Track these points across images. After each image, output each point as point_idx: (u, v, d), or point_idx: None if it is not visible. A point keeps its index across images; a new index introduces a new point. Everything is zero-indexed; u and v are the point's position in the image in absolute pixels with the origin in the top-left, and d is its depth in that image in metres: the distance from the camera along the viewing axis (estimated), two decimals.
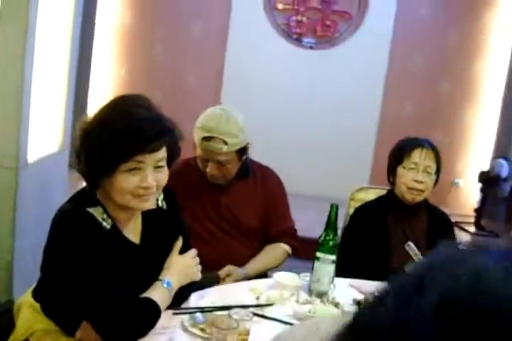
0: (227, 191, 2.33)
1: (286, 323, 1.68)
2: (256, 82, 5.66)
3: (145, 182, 1.47)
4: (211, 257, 2.03)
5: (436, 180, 2.36)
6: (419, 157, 2.33)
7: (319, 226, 2.06)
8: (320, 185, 5.45)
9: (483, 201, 5.22)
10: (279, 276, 1.97)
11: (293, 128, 5.67)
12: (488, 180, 5.12)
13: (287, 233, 2.42)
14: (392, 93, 5.68)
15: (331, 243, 1.91)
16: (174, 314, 1.55)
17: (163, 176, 1.54)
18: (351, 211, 2.71)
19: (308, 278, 1.95)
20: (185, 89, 5.80)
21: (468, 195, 5.80)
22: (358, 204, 2.69)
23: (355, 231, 2.42)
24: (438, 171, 2.35)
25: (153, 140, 1.46)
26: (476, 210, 5.26)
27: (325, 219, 1.95)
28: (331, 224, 1.92)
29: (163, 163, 1.53)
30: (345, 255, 2.20)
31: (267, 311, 1.73)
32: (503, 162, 5.04)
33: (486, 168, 5.33)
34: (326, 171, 5.63)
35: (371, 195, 2.77)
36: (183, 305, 1.66)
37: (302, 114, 5.70)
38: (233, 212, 2.32)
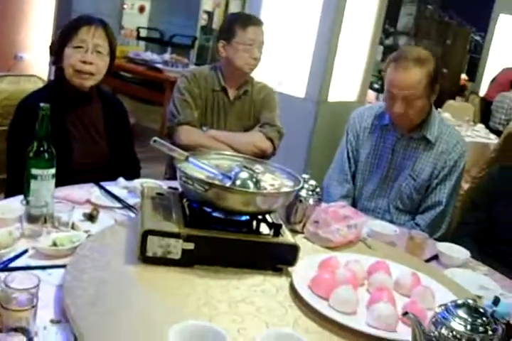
0: None
1: (45, 268, 1.30)
2: None
3: None
4: None
5: (111, 64, 2.09)
6: (87, 34, 2.00)
7: None
8: None
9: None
10: None
11: None
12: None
13: None
14: None
15: (47, 155, 1.50)
16: None
17: None
18: None
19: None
20: None
21: (34, 68, 5.47)
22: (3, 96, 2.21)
23: (25, 129, 1.97)
24: (112, 53, 2.07)
25: None
26: None
27: None
28: (42, 131, 1.49)
29: None
30: (17, 162, 1.77)
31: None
32: None
33: (49, 39, 5.06)
34: None
35: (15, 84, 2.29)
36: None
37: None
38: None
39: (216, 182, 1.37)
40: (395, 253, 1.73)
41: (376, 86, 6.87)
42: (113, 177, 1.98)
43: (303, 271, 1.38)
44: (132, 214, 1.71)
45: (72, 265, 1.26)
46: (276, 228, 1.42)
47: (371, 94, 5.93)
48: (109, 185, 1.91)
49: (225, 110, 2.53)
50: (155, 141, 1.45)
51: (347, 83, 3.96)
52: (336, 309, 1.25)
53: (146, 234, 1.30)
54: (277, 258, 1.39)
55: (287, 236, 1.41)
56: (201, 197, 1.36)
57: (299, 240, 1.67)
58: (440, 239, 2.19)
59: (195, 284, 1.27)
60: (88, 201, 1.76)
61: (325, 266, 1.41)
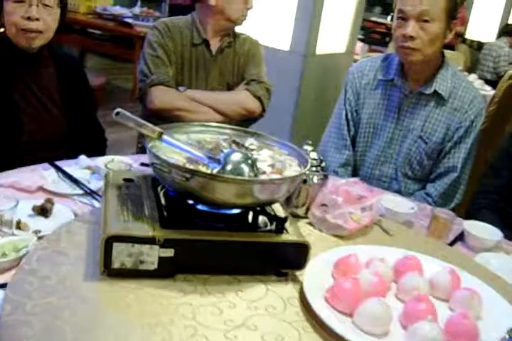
0: None
1: None
2: None
3: None
4: None
5: (63, 17, 1.73)
6: None
7: None
8: None
9: None
10: None
11: None
12: None
13: None
14: None
15: None
16: None
17: None
18: None
19: None
20: None
21: None
22: None
23: None
24: (62, 4, 1.71)
25: None
26: None
27: None
28: None
29: None
30: None
31: None
32: None
33: None
34: None
35: None
36: None
37: None
38: None
39: (200, 168, 1.05)
40: (417, 239, 1.44)
41: (359, 36, 6.49)
42: (74, 155, 1.65)
43: (315, 275, 1.08)
44: (96, 203, 1.38)
45: (12, 288, 0.94)
46: (279, 223, 1.11)
47: (357, 45, 5.57)
48: (67, 166, 1.58)
49: (205, 66, 2.17)
50: (118, 114, 1.11)
51: (335, 33, 3.59)
52: (363, 330, 0.96)
53: (110, 241, 0.98)
54: (282, 262, 1.09)
55: (294, 233, 1.10)
56: (181, 188, 1.03)
57: (303, 227, 1.38)
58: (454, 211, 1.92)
59: (179, 305, 0.97)
60: (41, 188, 1.42)
61: (343, 268, 1.11)
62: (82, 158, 1.61)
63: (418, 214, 1.62)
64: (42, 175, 1.48)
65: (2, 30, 1.66)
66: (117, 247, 0.98)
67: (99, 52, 6.61)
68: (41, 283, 0.96)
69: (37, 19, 1.63)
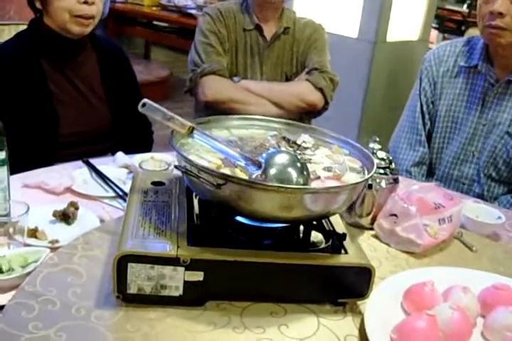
0: None
1: None
2: None
3: None
4: None
5: None
6: None
7: None
8: None
9: None
10: None
11: None
12: None
13: None
14: None
15: None
16: None
17: None
18: None
19: None
20: None
21: None
22: None
23: None
24: None
25: None
26: None
27: None
28: None
29: None
30: None
31: None
32: None
33: None
34: None
35: None
36: None
37: None
38: None
39: (238, 172, 0.85)
40: (507, 256, 1.18)
41: (433, 25, 6.10)
42: (119, 149, 1.50)
43: (380, 307, 0.86)
44: None
45: (6, 315, 0.77)
46: (335, 240, 0.89)
47: (431, 34, 5.21)
48: (105, 163, 1.42)
49: (260, 54, 1.96)
50: (144, 105, 0.92)
51: (407, 19, 3.29)
52: None
53: (123, 261, 0.79)
54: (339, 289, 0.87)
55: (355, 253, 0.88)
56: (213, 197, 0.83)
57: (368, 240, 1.16)
58: None
59: None
60: (69, 189, 1.26)
61: (415, 300, 0.88)
62: (119, 154, 1.44)
63: (505, 224, 1.36)
64: (72, 174, 1.32)
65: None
66: (133, 268, 0.79)
67: (164, 45, 6.55)
68: (40, 310, 0.79)
69: (92, 2, 1.51)
